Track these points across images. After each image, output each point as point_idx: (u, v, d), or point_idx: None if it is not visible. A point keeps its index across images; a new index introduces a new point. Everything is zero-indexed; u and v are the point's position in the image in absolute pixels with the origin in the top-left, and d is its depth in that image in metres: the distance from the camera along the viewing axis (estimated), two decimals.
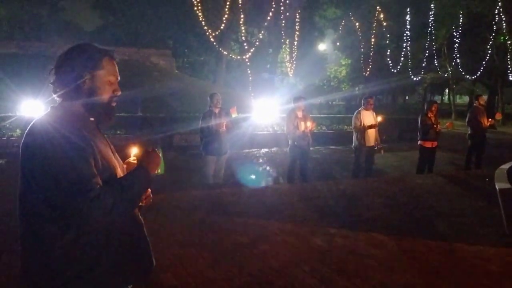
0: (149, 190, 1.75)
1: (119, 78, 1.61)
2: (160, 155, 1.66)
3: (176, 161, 10.17)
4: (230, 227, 4.64)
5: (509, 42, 23.40)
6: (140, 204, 1.71)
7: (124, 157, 1.76)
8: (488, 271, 3.61)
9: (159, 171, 1.68)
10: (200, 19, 17.72)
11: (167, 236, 4.33)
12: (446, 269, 3.64)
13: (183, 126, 12.14)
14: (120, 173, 1.58)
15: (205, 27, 17.76)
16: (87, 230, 1.40)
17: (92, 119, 1.58)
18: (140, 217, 1.68)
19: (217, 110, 6.60)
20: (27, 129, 1.43)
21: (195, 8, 17.59)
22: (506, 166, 5.32)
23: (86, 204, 1.31)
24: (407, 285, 3.34)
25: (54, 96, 1.53)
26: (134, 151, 1.78)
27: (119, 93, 1.61)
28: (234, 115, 6.67)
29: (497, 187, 4.55)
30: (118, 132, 12.70)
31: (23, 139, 1.42)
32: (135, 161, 1.67)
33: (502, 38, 23.62)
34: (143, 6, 24.18)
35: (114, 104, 1.61)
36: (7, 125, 11.85)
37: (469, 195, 6.30)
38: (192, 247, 4.04)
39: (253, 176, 8.50)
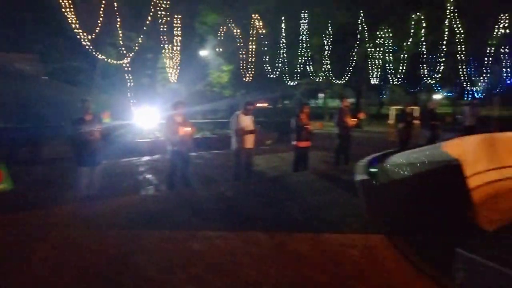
0: None
1: None
2: (1, 170, 1.45)
3: (46, 175, 9.27)
4: (101, 241, 4.36)
5: (370, 49, 26.40)
6: None
7: None
8: (350, 255, 3.98)
9: (1, 186, 1.46)
10: (70, 21, 16.46)
11: (27, 257, 3.90)
12: (314, 258, 3.91)
13: (54, 136, 11.13)
14: None
15: (76, 30, 16.55)
16: None
17: None
18: None
19: (88, 117, 6.23)
20: None
21: (64, 10, 16.29)
22: (364, 160, 5.92)
23: None
24: (279, 277, 3.51)
25: None
26: None
27: None
28: (106, 121, 6.37)
29: (356, 178, 5.06)
30: None
31: None
32: None
33: (365, 45, 26.52)
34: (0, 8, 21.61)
35: None
36: None
37: (336, 189, 6.89)
38: (56, 267, 3.69)
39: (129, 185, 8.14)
